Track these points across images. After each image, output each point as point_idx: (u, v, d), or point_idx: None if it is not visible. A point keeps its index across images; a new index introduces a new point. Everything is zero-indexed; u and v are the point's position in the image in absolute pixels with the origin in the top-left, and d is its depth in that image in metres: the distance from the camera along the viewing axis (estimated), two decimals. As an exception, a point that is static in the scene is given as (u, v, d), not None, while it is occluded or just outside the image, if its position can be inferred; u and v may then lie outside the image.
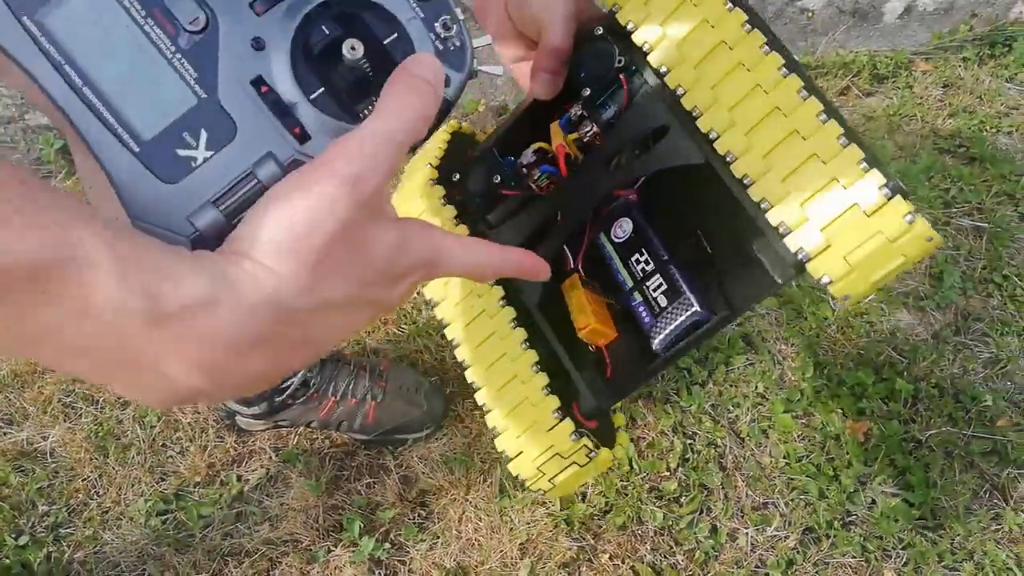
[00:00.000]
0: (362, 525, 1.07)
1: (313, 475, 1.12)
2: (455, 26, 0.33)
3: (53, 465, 1.15)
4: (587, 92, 0.55)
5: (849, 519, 1.09)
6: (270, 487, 1.12)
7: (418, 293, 1.22)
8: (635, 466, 1.13)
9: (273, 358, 0.30)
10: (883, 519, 1.07)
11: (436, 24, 0.33)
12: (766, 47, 0.46)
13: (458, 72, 0.34)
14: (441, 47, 0.33)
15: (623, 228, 0.58)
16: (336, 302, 0.30)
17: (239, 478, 1.13)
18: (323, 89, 0.32)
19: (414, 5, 0.33)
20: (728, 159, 0.47)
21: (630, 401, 1.19)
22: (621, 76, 0.53)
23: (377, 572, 1.04)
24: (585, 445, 0.52)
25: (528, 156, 0.58)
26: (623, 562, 1.05)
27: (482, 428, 1.18)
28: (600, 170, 0.55)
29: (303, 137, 0.31)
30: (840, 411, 1.18)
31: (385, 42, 0.33)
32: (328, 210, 0.28)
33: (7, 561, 1.04)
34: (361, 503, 1.10)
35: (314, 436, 1.17)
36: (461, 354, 0.59)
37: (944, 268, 1.34)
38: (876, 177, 0.43)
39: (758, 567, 1.04)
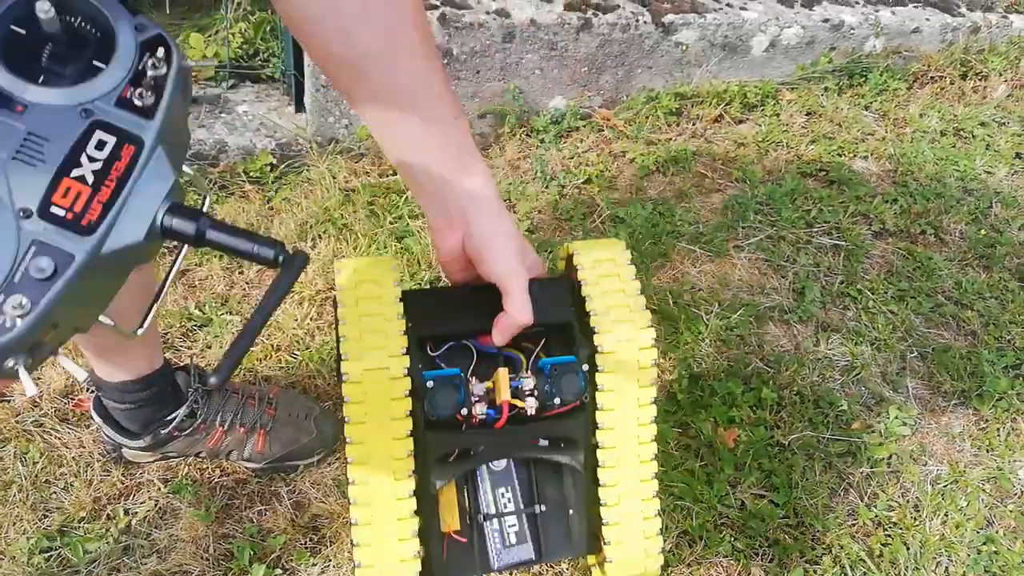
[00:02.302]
0: (252, 552, 1.07)
1: (203, 505, 1.12)
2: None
3: (-75, 508, 1.11)
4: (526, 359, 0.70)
5: (721, 521, 1.17)
6: (159, 519, 1.11)
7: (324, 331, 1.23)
8: (523, 481, 1.17)
9: None
10: (752, 519, 1.16)
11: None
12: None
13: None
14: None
15: (498, 463, 0.72)
16: None
17: (126, 511, 1.12)
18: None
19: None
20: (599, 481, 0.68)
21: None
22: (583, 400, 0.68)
23: (268, 598, 1.05)
24: None
25: (479, 389, 0.68)
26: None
27: (375, 450, 1.20)
28: (519, 436, 0.69)
29: None
30: (713, 420, 1.26)
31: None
32: None
33: None
34: (252, 531, 1.10)
35: (204, 466, 1.17)
36: (355, 472, 0.64)
37: (806, 284, 1.45)
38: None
39: (637, 571, 1.10)
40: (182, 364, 1.14)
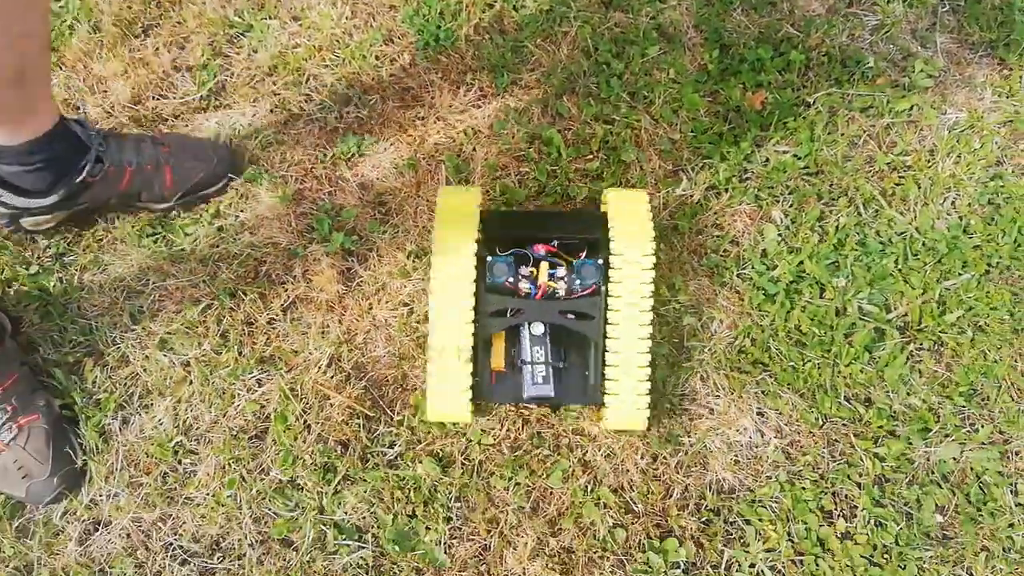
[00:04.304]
0: (331, 223, 1.22)
1: (279, 189, 1.26)
2: None
3: (41, 206, 1.26)
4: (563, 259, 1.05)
5: (745, 176, 1.27)
6: (243, 203, 1.26)
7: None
8: (562, 153, 1.28)
9: None
10: (774, 172, 1.26)
11: None
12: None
13: None
14: None
15: (537, 327, 1.04)
16: None
17: (223, 192, 1.26)
18: None
19: None
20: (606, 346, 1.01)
21: (555, 98, 1.32)
22: (599, 287, 1.02)
23: (349, 259, 1.21)
24: (470, 414, 1.03)
25: (525, 271, 1.04)
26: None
27: (424, 135, 1.30)
28: (550, 306, 1.03)
29: None
30: (741, 85, 1.32)
31: None
32: None
33: (25, 288, 1.20)
34: (326, 207, 1.25)
35: (271, 157, 1.29)
36: (435, 315, 1.00)
37: (841, -57, 1.42)
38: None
39: (668, 220, 1.23)
40: (72, 117, 1.14)
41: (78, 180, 1.12)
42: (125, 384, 1.14)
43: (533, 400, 1.05)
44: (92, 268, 1.22)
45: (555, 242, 1.06)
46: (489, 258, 1.03)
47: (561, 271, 1.04)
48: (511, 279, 1.02)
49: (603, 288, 1.02)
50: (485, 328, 1.02)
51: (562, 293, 1.03)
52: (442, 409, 1.03)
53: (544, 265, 1.04)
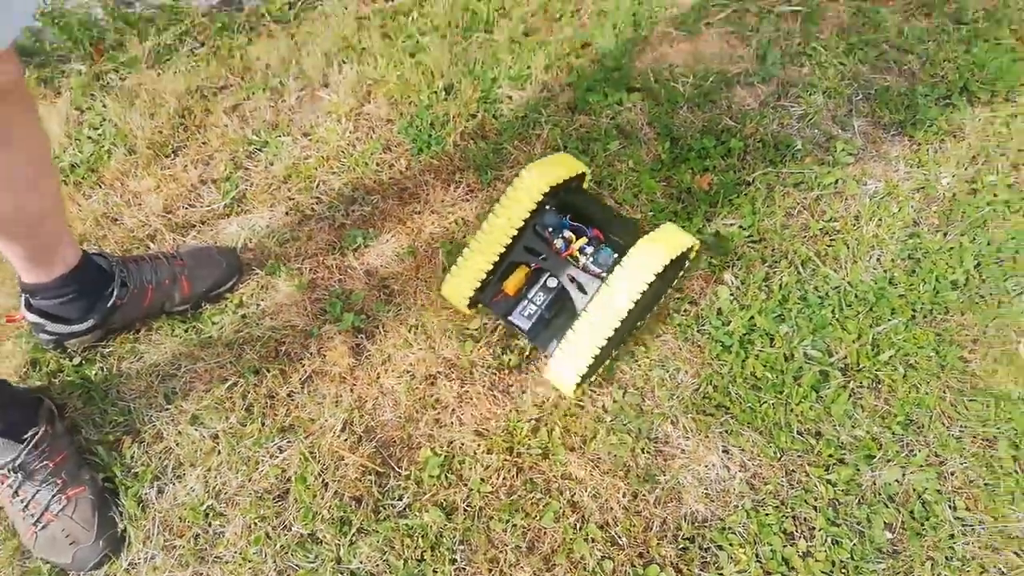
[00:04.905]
0: (342, 305, 1.40)
1: (294, 279, 1.44)
2: None
3: (85, 305, 1.43)
4: (599, 244, 1.31)
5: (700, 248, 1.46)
6: (263, 293, 1.44)
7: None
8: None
9: None
10: (723, 241, 1.45)
11: None
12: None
13: None
14: None
15: (552, 281, 1.31)
16: None
17: (233, 290, 1.44)
18: None
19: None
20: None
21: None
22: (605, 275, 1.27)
23: (359, 336, 1.38)
24: (467, 305, 1.32)
25: (567, 235, 1.31)
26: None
27: (420, 227, 1.50)
28: (571, 264, 1.30)
29: None
30: (691, 170, 1.53)
31: None
32: None
33: (70, 378, 1.35)
34: (337, 292, 1.43)
35: (287, 251, 1.48)
36: (487, 229, 1.29)
37: (767, 49, 1.67)
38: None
39: (635, 287, 1.41)
40: (94, 251, 1.31)
41: (109, 305, 1.29)
42: (160, 457, 1.29)
43: (511, 324, 1.30)
44: (129, 357, 1.38)
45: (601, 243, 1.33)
46: (548, 207, 1.30)
47: (590, 250, 1.30)
48: (552, 231, 1.30)
49: (605, 278, 1.25)
50: (515, 253, 1.30)
51: (581, 262, 1.29)
52: (453, 290, 1.30)
53: (583, 240, 1.31)
